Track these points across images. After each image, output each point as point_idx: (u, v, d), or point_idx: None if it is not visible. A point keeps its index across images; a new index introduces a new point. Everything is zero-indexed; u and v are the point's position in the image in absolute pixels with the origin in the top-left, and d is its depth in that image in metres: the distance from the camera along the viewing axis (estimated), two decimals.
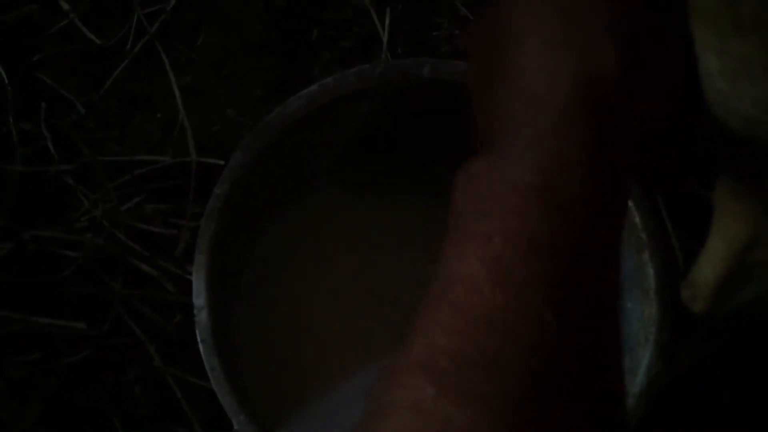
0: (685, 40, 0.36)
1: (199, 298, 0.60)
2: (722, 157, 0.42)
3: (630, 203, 0.62)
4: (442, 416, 0.28)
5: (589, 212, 0.32)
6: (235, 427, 0.62)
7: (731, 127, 0.38)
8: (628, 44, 0.35)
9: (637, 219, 0.61)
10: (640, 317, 0.59)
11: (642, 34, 0.36)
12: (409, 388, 0.29)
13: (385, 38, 0.84)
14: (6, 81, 0.82)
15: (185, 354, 0.73)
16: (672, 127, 0.40)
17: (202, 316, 0.60)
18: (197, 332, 0.59)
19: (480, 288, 0.30)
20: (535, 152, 0.33)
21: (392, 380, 0.30)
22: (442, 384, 0.29)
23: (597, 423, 0.31)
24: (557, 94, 0.33)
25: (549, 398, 0.29)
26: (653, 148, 0.40)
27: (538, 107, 0.33)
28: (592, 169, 0.32)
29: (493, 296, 0.30)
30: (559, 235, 0.31)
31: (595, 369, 0.32)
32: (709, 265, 0.48)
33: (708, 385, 0.69)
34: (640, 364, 0.57)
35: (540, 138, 0.33)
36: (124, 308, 0.74)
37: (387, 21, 0.85)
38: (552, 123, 0.33)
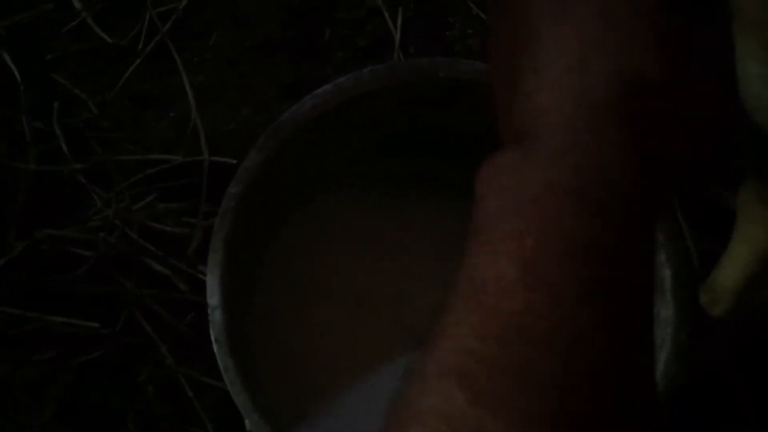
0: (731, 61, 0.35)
1: (213, 297, 0.60)
2: (751, 160, 0.42)
3: None
4: (474, 425, 0.27)
5: (627, 219, 0.31)
6: (248, 427, 0.62)
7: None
8: (674, 51, 0.33)
9: None
10: (657, 318, 0.59)
11: (689, 44, 0.34)
12: (439, 395, 0.28)
13: (397, 38, 0.84)
14: (19, 80, 0.82)
15: (198, 354, 0.73)
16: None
17: (216, 316, 0.59)
18: (211, 332, 0.59)
19: (513, 291, 0.29)
20: (574, 152, 0.31)
21: (422, 385, 0.29)
22: (474, 391, 0.27)
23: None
24: (596, 92, 0.32)
25: (584, 410, 0.28)
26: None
27: (575, 104, 0.32)
28: (633, 173, 0.31)
29: (526, 301, 0.29)
30: (597, 241, 0.30)
31: (630, 378, 0.31)
32: (731, 270, 0.47)
33: (726, 387, 0.69)
34: (657, 366, 0.57)
35: (578, 137, 0.31)
36: (136, 307, 0.74)
37: (399, 20, 0.85)
38: (589, 123, 0.32)
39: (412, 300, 0.67)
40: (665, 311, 0.58)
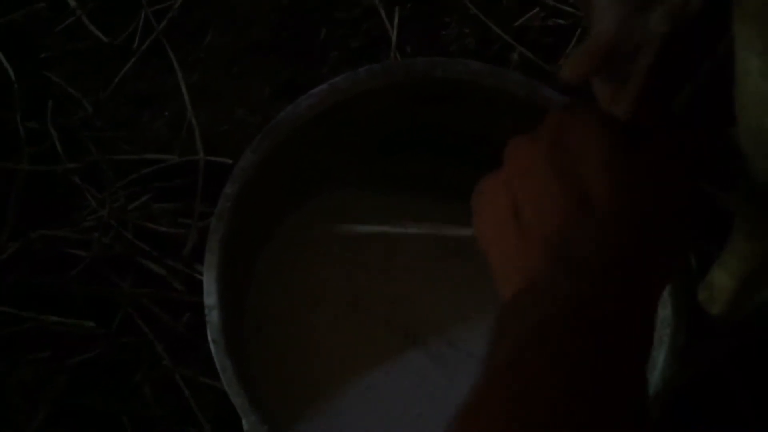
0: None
1: (210, 297, 0.60)
2: (748, 162, 0.42)
3: None
4: None
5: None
6: (246, 427, 0.62)
7: (767, 127, 0.37)
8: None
9: None
10: (655, 318, 0.59)
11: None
12: None
13: (393, 37, 0.84)
14: (13, 79, 0.82)
15: (194, 353, 0.72)
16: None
17: (213, 316, 0.59)
18: (208, 332, 0.59)
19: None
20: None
21: None
22: None
23: None
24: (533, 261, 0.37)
25: None
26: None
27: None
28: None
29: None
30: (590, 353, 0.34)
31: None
32: (729, 268, 0.47)
33: (725, 388, 0.69)
34: (655, 366, 0.57)
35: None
36: (132, 307, 0.74)
37: (396, 20, 0.85)
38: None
39: (408, 301, 0.67)
40: (663, 311, 0.58)
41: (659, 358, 0.56)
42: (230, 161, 0.75)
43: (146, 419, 0.71)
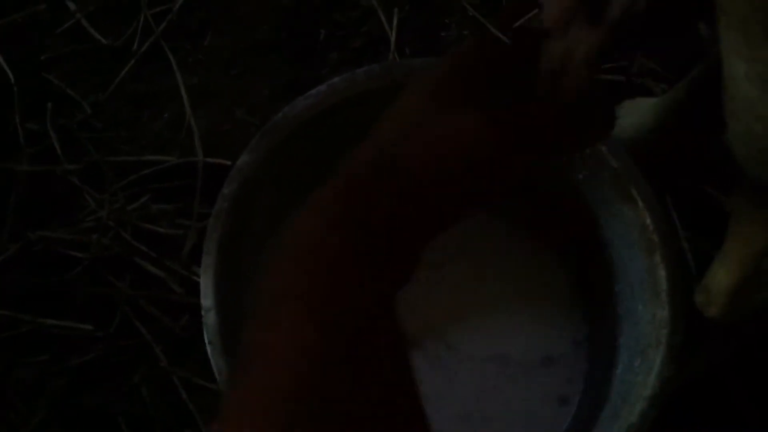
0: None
1: (207, 299, 0.60)
2: (740, 164, 0.42)
3: (641, 205, 0.61)
4: None
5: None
6: None
7: (756, 133, 0.37)
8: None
9: (649, 221, 0.61)
10: (652, 320, 0.58)
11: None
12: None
13: (392, 38, 0.84)
14: (12, 81, 0.82)
15: (192, 355, 0.72)
16: (685, 137, 0.40)
17: (209, 318, 0.59)
18: (205, 334, 0.59)
19: None
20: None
21: None
22: None
23: None
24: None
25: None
26: (667, 152, 0.40)
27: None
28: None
29: None
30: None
31: None
32: (725, 270, 0.47)
33: (722, 391, 0.69)
34: (652, 367, 0.57)
35: None
36: (130, 309, 0.74)
37: (395, 21, 0.84)
38: None
39: (404, 301, 0.67)
40: (660, 313, 0.58)
41: (656, 359, 0.56)
42: (229, 162, 0.75)
43: (143, 420, 0.71)
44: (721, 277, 0.48)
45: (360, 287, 0.39)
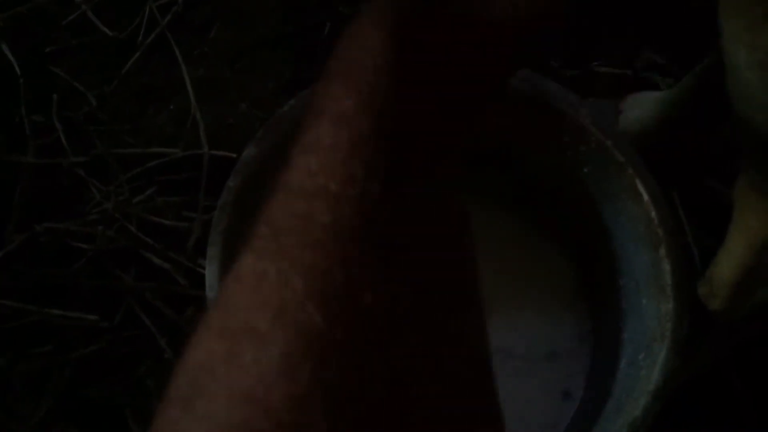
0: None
1: (212, 291, 0.60)
2: (745, 154, 0.42)
3: (646, 199, 0.61)
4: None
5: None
6: None
7: (757, 121, 0.37)
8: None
9: (654, 215, 0.61)
10: (657, 313, 0.58)
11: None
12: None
13: None
14: (18, 73, 0.82)
15: None
16: (690, 126, 0.40)
17: None
18: None
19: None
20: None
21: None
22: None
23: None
24: None
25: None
26: (672, 146, 0.40)
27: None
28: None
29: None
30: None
31: None
32: (728, 263, 0.47)
33: (725, 384, 0.69)
34: (656, 361, 0.57)
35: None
36: (135, 301, 0.74)
37: None
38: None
39: None
40: (665, 306, 0.58)
41: (660, 352, 0.56)
42: (234, 155, 0.75)
43: (148, 411, 0.71)
44: (724, 269, 0.48)
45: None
